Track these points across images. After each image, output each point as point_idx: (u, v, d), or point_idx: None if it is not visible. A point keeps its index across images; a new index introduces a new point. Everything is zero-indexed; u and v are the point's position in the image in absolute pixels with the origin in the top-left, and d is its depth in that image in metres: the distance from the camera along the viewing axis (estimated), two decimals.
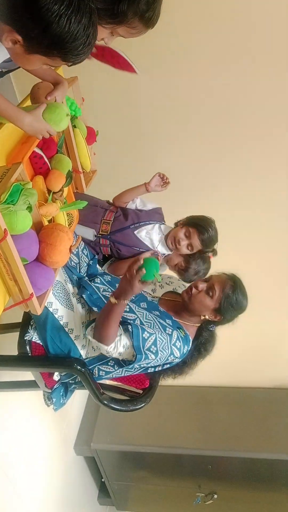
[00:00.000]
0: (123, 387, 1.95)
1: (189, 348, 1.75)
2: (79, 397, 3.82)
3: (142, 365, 1.66)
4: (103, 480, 4.00)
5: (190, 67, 2.56)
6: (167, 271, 2.23)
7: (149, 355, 1.62)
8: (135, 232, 2.14)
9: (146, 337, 1.63)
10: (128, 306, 1.72)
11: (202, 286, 1.77)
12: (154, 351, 1.62)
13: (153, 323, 1.72)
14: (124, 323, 1.67)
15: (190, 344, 1.76)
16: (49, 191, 1.59)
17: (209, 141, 2.78)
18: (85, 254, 2.01)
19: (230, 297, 1.74)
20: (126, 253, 2.16)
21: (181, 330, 1.75)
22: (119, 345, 1.62)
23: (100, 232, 2.14)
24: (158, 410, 3.38)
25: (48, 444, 3.18)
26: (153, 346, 1.62)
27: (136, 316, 1.72)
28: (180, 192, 2.54)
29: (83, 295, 1.80)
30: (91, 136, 1.95)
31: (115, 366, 1.71)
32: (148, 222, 2.19)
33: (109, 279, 1.95)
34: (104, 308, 1.62)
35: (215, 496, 3.67)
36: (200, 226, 2.08)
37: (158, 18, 1.40)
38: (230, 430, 3.55)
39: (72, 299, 1.79)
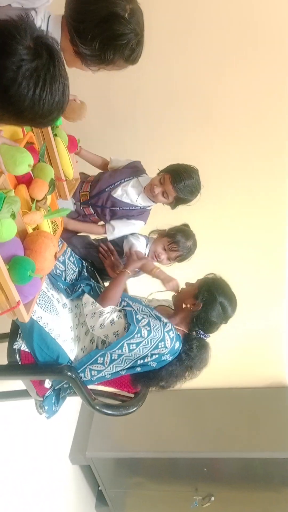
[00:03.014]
0: (115, 392, 1.96)
1: (180, 346, 1.77)
2: (72, 406, 3.81)
3: (131, 346, 1.66)
4: (100, 488, 3.98)
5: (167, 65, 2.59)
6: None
7: (142, 330, 1.66)
8: (112, 193, 2.16)
9: (139, 318, 1.72)
10: (125, 302, 1.87)
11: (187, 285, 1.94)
12: (147, 329, 1.67)
13: (149, 313, 1.81)
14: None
15: (181, 345, 1.78)
16: (32, 199, 1.60)
17: (199, 145, 2.81)
18: (72, 261, 2.02)
19: (208, 284, 1.87)
20: (114, 216, 2.20)
21: (175, 329, 1.78)
22: (113, 313, 1.74)
23: (81, 202, 2.20)
24: (151, 415, 3.38)
25: (43, 454, 3.16)
26: (146, 326, 1.68)
27: (132, 309, 1.81)
28: None
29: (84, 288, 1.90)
30: (72, 144, 1.96)
31: (105, 363, 1.72)
32: (124, 180, 2.20)
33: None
34: (115, 278, 1.94)
35: (212, 498, 3.66)
36: (175, 172, 2.08)
37: (139, 56, 1.51)
38: (224, 431, 3.56)
39: (57, 305, 1.81)
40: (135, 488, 3.97)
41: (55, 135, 1.81)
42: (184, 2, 2.44)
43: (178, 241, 2.15)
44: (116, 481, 3.89)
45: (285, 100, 2.62)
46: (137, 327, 1.66)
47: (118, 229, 2.20)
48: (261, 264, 3.25)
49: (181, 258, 2.19)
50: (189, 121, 2.76)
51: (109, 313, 1.75)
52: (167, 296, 2.09)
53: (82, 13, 1.40)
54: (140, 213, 2.22)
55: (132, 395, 1.93)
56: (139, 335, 1.66)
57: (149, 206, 2.22)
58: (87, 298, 1.83)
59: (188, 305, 1.84)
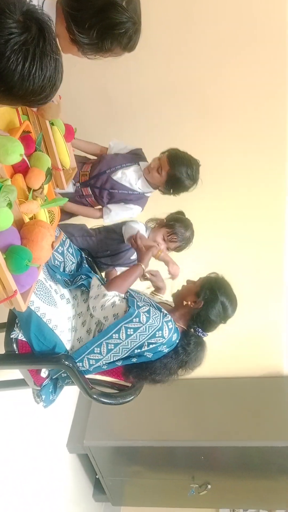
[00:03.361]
0: (112, 381, 1.97)
1: (176, 340, 1.77)
2: (70, 395, 3.83)
3: (129, 332, 1.67)
4: (97, 476, 4.01)
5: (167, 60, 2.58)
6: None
7: (141, 315, 1.67)
8: (111, 175, 2.17)
9: (140, 305, 1.74)
10: (128, 293, 1.87)
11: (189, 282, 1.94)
12: (146, 316, 1.68)
13: (150, 303, 1.83)
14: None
15: (178, 338, 1.78)
16: (29, 189, 1.59)
17: (198, 140, 2.77)
18: (71, 252, 2.02)
19: (211, 281, 1.87)
20: (112, 199, 2.21)
21: (174, 322, 1.78)
22: (115, 297, 1.77)
23: (80, 182, 2.20)
24: (149, 404, 3.38)
25: (40, 443, 3.18)
26: (146, 313, 1.70)
27: (135, 298, 1.82)
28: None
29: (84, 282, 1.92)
30: (69, 133, 1.95)
31: (102, 352, 1.73)
32: (125, 164, 2.21)
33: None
34: (129, 269, 1.95)
35: (209, 486, 3.70)
36: (174, 151, 2.16)
37: (136, 43, 1.51)
38: (222, 420, 3.58)
39: (55, 296, 1.81)
40: (133, 477, 4.00)
41: (52, 124, 1.80)
42: None
43: (177, 232, 2.16)
44: (114, 470, 3.92)
45: (285, 91, 2.61)
46: (136, 311, 1.67)
47: (115, 212, 2.21)
48: (260, 257, 3.27)
49: (179, 249, 2.20)
50: (188, 113, 2.77)
51: (112, 296, 1.77)
52: (167, 297, 2.10)
53: (78, 1, 1.39)
54: (138, 198, 2.22)
55: (129, 384, 1.94)
56: (137, 319, 1.67)
57: (147, 193, 2.23)
58: (95, 280, 1.89)
59: (189, 302, 1.83)
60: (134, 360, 1.76)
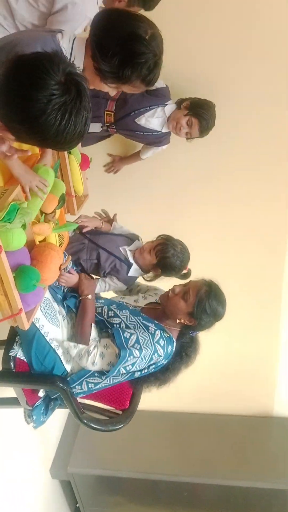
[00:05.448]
0: (103, 407, 1.98)
1: (173, 349, 1.79)
2: (58, 419, 3.80)
3: (127, 367, 1.70)
4: (78, 505, 3.94)
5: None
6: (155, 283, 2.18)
7: (133, 351, 1.68)
8: (135, 120, 2.26)
9: (127, 337, 1.71)
10: (112, 312, 1.84)
11: (178, 289, 1.85)
12: (138, 348, 1.69)
13: (136, 324, 1.79)
14: (106, 330, 1.78)
15: (174, 345, 1.80)
16: (41, 212, 1.66)
17: (207, 155, 2.85)
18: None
19: (204, 302, 1.78)
20: (137, 139, 2.35)
21: (164, 332, 1.79)
22: (99, 345, 1.72)
23: (106, 122, 2.29)
24: (136, 435, 3.38)
25: (24, 465, 3.14)
26: (136, 344, 1.69)
27: (120, 320, 1.80)
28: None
29: (69, 304, 1.88)
30: (84, 162, 2.03)
31: (102, 376, 1.75)
32: (148, 108, 2.29)
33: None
34: (79, 309, 1.82)
35: None
36: (203, 119, 2.28)
37: (158, 78, 1.56)
38: (207, 457, 3.55)
39: (58, 317, 1.84)
40: (114, 508, 3.93)
41: (69, 152, 1.88)
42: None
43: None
44: (95, 499, 3.86)
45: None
46: (128, 351, 1.68)
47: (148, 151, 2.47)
48: (257, 287, 3.27)
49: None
50: None
51: (96, 347, 1.74)
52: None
53: (105, 30, 1.48)
54: (162, 136, 2.40)
55: (120, 412, 1.95)
56: (131, 357, 1.69)
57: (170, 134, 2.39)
58: (67, 344, 1.79)
59: (183, 321, 1.83)
60: (137, 374, 1.78)
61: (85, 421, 1.80)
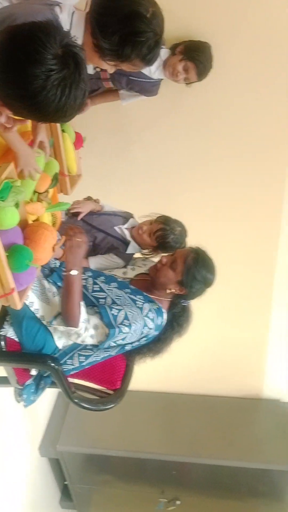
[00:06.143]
0: (94, 387, 1.99)
1: (163, 320, 1.79)
2: (48, 398, 3.82)
3: (118, 342, 1.69)
4: (66, 483, 4.00)
5: None
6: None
7: (122, 328, 1.67)
8: None
9: (115, 314, 1.69)
10: (98, 286, 1.79)
11: (166, 260, 1.84)
12: (127, 324, 1.67)
13: (123, 299, 1.76)
14: (91, 307, 1.74)
15: (165, 316, 1.80)
16: (34, 191, 1.64)
17: (205, 143, 2.81)
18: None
19: (192, 269, 1.77)
20: (129, 84, 2.31)
21: (153, 304, 1.78)
22: (89, 327, 1.68)
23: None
24: (126, 415, 3.42)
25: (13, 443, 3.17)
26: (125, 320, 1.68)
27: (106, 295, 1.77)
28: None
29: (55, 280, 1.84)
30: (78, 141, 2.00)
31: (94, 348, 1.74)
32: None
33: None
34: (63, 287, 1.68)
35: (178, 502, 3.70)
36: (199, 61, 2.24)
37: (157, 58, 1.56)
38: (196, 437, 3.60)
39: (48, 294, 1.83)
40: (102, 486, 3.99)
41: (63, 130, 1.85)
42: None
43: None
44: (83, 477, 3.91)
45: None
46: (116, 329, 1.66)
47: (129, 97, 2.39)
48: (249, 270, 3.27)
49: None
50: None
51: (86, 330, 1.69)
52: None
53: (106, 8, 1.47)
54: (153, 85, 2.36)
55: (111, 392, 1.97)
56: (121, 334, 1.68)
57: (162, 79, 2.36)
58: (58, 322, 1.72)
59: (173, 291, 1.81)
60: (127, 348, 1.77)
61: (75, 400, 1.81)
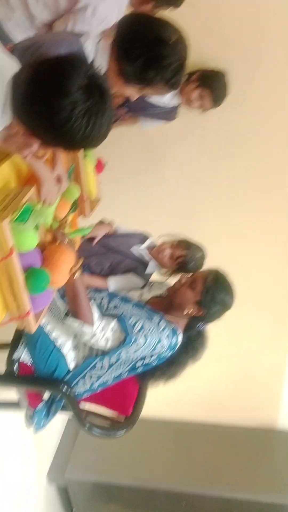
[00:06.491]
0: (105, 414, 1.96)
1: (178, 341, 1.76)
2: (57, 424, 3.78)
3: (130, 354, 1.67)
4: (73, 511, 3.91)
5: None
6: None
7: (138, 338, 1.65)
8: (145, 98, 2.25)
9: (132, 323, 1.69)
10: (113, 304, 1.80)
11: (185, 279, 1.84)
12: (143, 336, 1.66)
13: (141, 313, 1.76)
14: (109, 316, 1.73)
15: (180, 338, 1.77)
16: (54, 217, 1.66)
17: (229, 165, 2.84)
18: None
19: (212, 289, 1.76)
20: (145, 112, 2.37)
21: (169, 324, 1.76)
22: (106, 328, 1.68)
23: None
24: (136, 443, 3.34)
25: (21, 470, 3.12)
26: (142, 331, 1.67)
27: (122, 311, 1.76)
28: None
29: None
30: (99, 166, 2.04)
31: (104, 367, 1.73)
32: None
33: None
34: (67, 293, 1.69)
35: None
36: (214, 89, 2.28)
37: (182, 82, 1.57)
38: (207, 468, 3.51)
39: (62, 315, 1.82)
40: None
41: (85, 155, 1.88)
42: None
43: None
44: (91, 507, 3.82)
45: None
46: (133, 337, 1.66)
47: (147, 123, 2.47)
48: (268, 295, 3.24)
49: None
50: None
51: (102, 331, 1.69)
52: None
53: (131, 33, 1.49)
54: (171, 112, 2.42)
55: (122, 419, 1.94)
56: (136, 343, 1.67)
57: (180, 103, 2.39)
58: (71, 320, 1.72)
59: (190, 311, 1.79)
60: (139, 370, 1.75)
61: (87, 426, 1.79)
